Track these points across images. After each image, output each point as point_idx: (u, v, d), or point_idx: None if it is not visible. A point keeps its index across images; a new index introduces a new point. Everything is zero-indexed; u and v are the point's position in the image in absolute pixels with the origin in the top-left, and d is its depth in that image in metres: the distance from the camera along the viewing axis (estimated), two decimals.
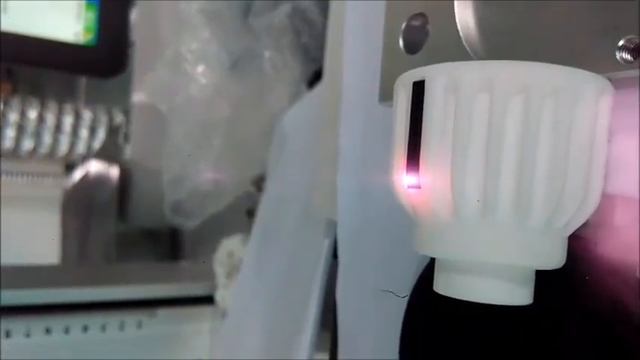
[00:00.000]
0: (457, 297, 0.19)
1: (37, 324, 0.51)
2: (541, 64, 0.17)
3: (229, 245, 0.54)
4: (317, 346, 0.40)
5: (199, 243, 0.68)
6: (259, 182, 0.52)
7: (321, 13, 0.48)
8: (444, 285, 0.19)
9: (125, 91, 0.70)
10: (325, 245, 0.39)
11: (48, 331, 0.51)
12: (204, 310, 0.57)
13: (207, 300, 0.56)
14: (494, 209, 0.17)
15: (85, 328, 0.52)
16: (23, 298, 0.50)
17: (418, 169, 0.18)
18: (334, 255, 0.36)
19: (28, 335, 0.50)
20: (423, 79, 0.18)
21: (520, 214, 0.17)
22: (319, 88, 0.42)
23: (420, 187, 0.18)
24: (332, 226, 0.37)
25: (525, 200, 0.17)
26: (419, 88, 0.18)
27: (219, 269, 0.54)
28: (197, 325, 0.57)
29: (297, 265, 0.43)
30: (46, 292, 0.52)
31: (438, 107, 0.18)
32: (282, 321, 0.43)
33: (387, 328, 0.27)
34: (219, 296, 0.55)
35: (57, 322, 0.51)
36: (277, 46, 0.48)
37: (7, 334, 0.49)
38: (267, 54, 0.48)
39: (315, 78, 0.48)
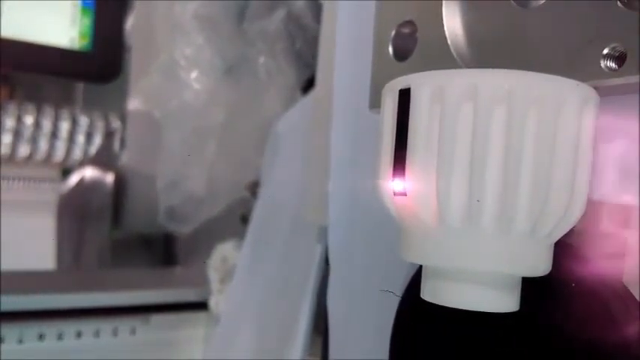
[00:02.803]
0: (444, 304, 0.19)
1: (30, 330, 0.50)
2: (525, 72, 0.17)
3: (223, 251, 0.54)
4: (309, 351, 0.40)
5: (194, 249, 0.68)
6: (253, 188, 0.52)
7: (316, 19, 0.48)
8: (431, 292, 0.19)
9: (122, 97, 0.70)
10: (317, 250, 0.39)
11: (41, 337, 0.51)
12: (198, 315, 0.56)
13: (201, 306, 0.56)
14: (479, 217, 0.17)
15: (79, 334, 0.52)
16: (16, 303, 0.50)
17: (404, 177, 0.18)
18: (326, 260, 0.36)
19: (20, 341, 0.50)
20: (408, 86, 0.18)
21: (505, 222, 0.17)
22: (313, 94, 0.42)
23: (406, 195, 0.18)
24: (324, 231, 0.37)
25: (510, 208, 0.17)
26: (405, 96, 0.19)
27: (213, 275, 0.54)
28: (191, 330, 0.57)
29: (290, 270, 0.43)
30: (39, 298, 0.51)
31: (423, 115, 0.18)
32: (275, 326, 0.43)
33: (378, 333, 0.27)
34: (212, 302, 0.54)
35: (50, 328, 0.51)
36: (271, 52, 0.48)
37: (0, 341, 0.49)
38: (261, 59, 0.48)
39: (309, 84, 0.48)
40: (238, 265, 0.49)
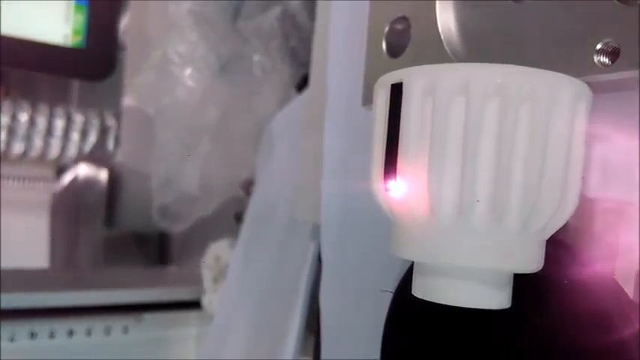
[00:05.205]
0: (435, 301, 0.19)
1: (21, 328, 0.50)
2: (518, 66, 0.17)
3: (216, 249, 0.54)
4: (303, 350, 0.40)
5: (188, 247, 0.68)
6: (248, 186, 0.52)
7: (311, 17, 0.48)
8: (422, 289, 0.19)
9: (117, 95, 0.70)
10: (310, 249, 0.39)
11: (33, 335, 0.50)
12: (191, 314, 0.56)
13: (194, 305, 0.55)
14: (471, 212, 0.17)
15: (71, 333, 0.52)
16: (8, 301, 0.50)
17: (396, 172, 0.18)
18: (319, 258, 0.36)
19: (12, 339, 0.50)
20: (400, 81, 0.18)
21: (496, 218, 0.17)
22: (306, 92, 0.42)
23: (397, 190, 0.18)
24: (317, 229, 0.36)
25: (501, 203, 0.17)
26: (397, 91, 0.18)
27: (207, 273, 0.54)
28: (184, 329, 0.56)
29: (283, 268, 0.42)
30: (31, 296, 0.51)
31: (415, 109, 0.18)
32: (268, 325, 0.43)
33: (370, 331, 0.27)
34: (205, 300, 0.54)
35: (42, 326, 0.51)
36: (266, 50, 0.48)
37: None
38: (255, 57, 0.48)
39: (303, 82, 0.48)
40: (231, 264, 0.49)
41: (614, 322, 0.19)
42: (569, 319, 0.19)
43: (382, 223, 0.21)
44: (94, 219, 0.74)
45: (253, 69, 0.48)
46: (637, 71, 0.18)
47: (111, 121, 0.74)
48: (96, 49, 0.63)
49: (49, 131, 0.72)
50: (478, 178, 0.17)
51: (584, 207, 0.20)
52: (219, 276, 0.53)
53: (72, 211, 0.76)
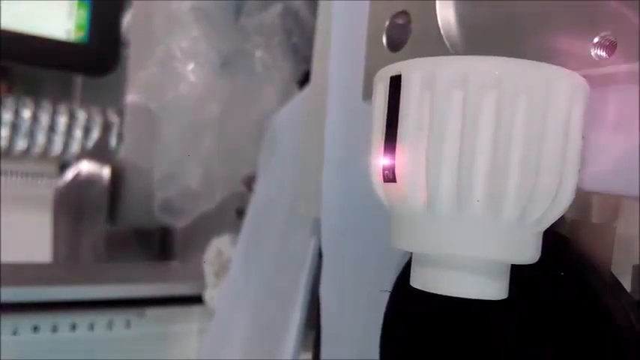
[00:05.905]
0: (432, 291, 0.19)
1: (24, 322, 0.50)
2: (515, 59, 0.17)
3: (218, 245, 0.54)
4: (303, 344, 0.40)
5: (190, 243, 0.68)
6: (250, 182, 0.52)
7: (313, 13, 0.48)
8: (420, 280, 0.19)
9: (120, 92, 0.70)
10: (311, 243, 0.39)
11: (36, 329, 0.51)
12: (193, 309, 0.57)
13: (196, 300, 0.56)
14: (468, 203, 0.17)
15: (73, 327, 0.52)
16: (11, 295, 0.50)
17: (394, 164, 0.18)
18: (320, 253, 0.36)
19: (15, 333, 0.50)
20: (399, 73, 0.18)
21: (494, 209, 0.17)
22: (308, 87, 0.42)
23: (396, 182, 0.18)
24: (318, 224, 0.37)
25: (498, 194, 0.17)
26: (396, 83, 0.19)
27: (208, 269, 0.54)
28: (186, 324, 0.57)
29: (284, 264, 0.43)
30: (34, 290, 0.51)
31: (413, 102, 0.18)
32: (269, 320, 0.43)
33: (370, 326, 0.27)
34: (207, 295, 0.54)
35: (45, 320, 0.51)
36: (268, 46, 0.48)
37: None
38: (257, 53, 0.48)
39: (305, 78, 0.48)
40: (233, 259, 0.49)
41: (611, 315, 0.19)
42: (566, 310, 0.20)
43: (382, 218, 0.21)
44: (96, 215, 0.74)
45: (255, 65, 0.48)
46: (634, 64, 0.18)
47: (113, 118, 0.74)
48: (99, 44, 0.63)
49: (51, 128, 0.72)
50: (475, 169, 0.17)
51: (582, 200, 0.20)
52: (221, 271, 0.53)
53: (74, 207, 0.76)
